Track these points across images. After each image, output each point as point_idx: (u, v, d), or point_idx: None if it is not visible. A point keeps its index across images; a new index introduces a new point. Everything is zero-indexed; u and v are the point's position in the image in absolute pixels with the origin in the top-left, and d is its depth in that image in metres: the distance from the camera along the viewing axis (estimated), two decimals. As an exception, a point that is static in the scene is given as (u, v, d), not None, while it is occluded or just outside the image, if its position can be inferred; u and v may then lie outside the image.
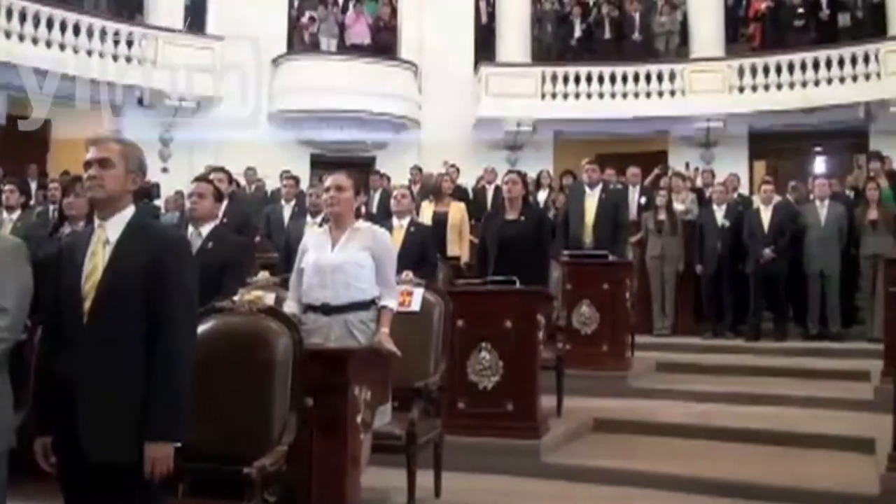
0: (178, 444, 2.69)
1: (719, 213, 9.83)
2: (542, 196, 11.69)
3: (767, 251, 9.19)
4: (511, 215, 6.57)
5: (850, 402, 6.54)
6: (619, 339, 7.51)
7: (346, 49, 16.46)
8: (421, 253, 6.51)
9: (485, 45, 17.11)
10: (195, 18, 16.08)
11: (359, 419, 3.50)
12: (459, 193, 10.83)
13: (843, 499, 4.69)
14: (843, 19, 15.59)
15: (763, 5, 16.10)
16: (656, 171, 11.73)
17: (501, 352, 5.46)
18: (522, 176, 6.97)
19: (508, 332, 5.48)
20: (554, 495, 4.99)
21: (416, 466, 4.35)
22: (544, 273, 6.34)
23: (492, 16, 17.44)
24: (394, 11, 17.05)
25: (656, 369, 7.99)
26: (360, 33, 16.63)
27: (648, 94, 15.99)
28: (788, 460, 5.42)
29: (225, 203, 7.32)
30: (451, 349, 4.99)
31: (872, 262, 8.66)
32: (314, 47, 16.41)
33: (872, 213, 9.05)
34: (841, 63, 15.07)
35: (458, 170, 12.35)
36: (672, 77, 15.95)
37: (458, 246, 8.62)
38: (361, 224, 4.46)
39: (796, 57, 15.39)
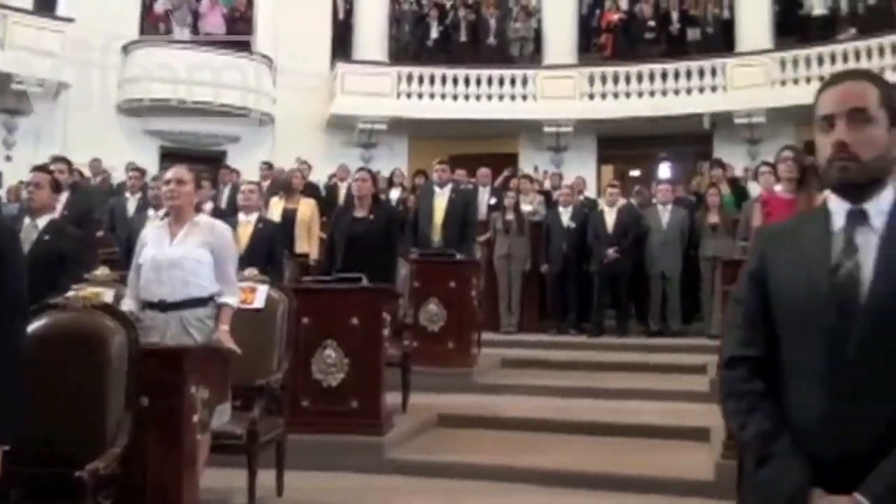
0: (6, 448, 2.55)
1: (565, 214, 10.12)
2: (394, 195, 11.73)
3: (611, 251, 9.53)
4: (360, 213, 6.57)
5: (688, 394, 6.79)
6: (465, 336, 7.62)
7: (200, 39, 16.03)
8: (268, 250, 6.44)
9: (342, 42, 17.03)
10: (45, -1, 15.31)
11: (195, 419, 3.41)
12: (311, 190, 10.73)
13: (680, 485, 4.87)
14: (693, 34, 16.33)
15: (615, 17, 16.67)
16: (506, 172, 12.01)
17: (347, 349, 5.45)
18: (372, 174, 6.99)
19: (354, 330, 5.47)
20: (396, 490, 5.01)
21: (258, 466, 4.28)
22: (391, 271, 6.36)
23: (350, 13, 17.36)
24: (250, 2, 16.68)
25: (502, 365, 8.13)
26: (214, 23, 16.22)
27: (501, 98, 16.33)
28: (629, 451, 5.61)
29: (66, 195, 7.05)
30: (296, 347, 4.95)
31: (712, 264, 9.05)
32: (166, 35, 15.90)
33: (713, 217, 9.48)
34: (689, 75, 15.84)
35: (310, 166, 12.23)
36: (525, 82, 16.33)
37: (308, 243, 8.55)
38: (201, 218, 4.37)
39: (645, 68, 16.05)
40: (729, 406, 1.90)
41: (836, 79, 1.92)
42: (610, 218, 9.78)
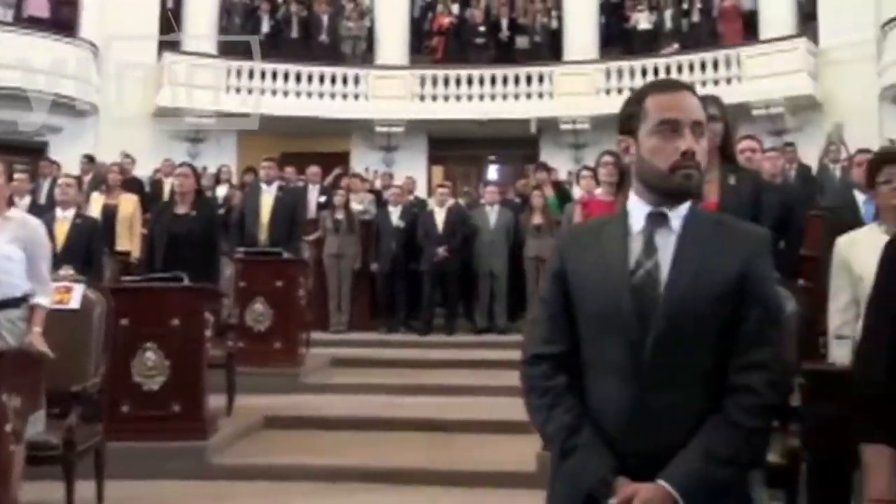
0: None
1: (395, 214, 10.21)
2: (221, 192, 11.47)
3: (441, 250, 9.69)
4: (182, 210, 6.39)
5: (513, 389, 6.94)
6: (292, 336, 7.54)
7: (23, 21, 15.04)
8: (86, 247, 6.17)
9: (170, 32, 16.39)
10: None
11: (8, 429, 3.22)
12: (134, 185, 10.35)
13: (503, 477, 5.00)
14: (522, 42, 16.78)
15: (447, 21, 16.92)
16: (336, 171, 11.94)
17: (167, 351, 5.26)
18: (195, 169, 6.81)
19: (175, 331, 5.29)
20: (221, 496, 4.89)
21: (76, 476, 4.07)
22: (214, 270, 6.23)
23: (179, 2, 16.79)
24: (76, -15, 15.85)
25: (330, 365, 8.09)
26: (38, 5, 15.32)
27: (333, 96, 16.27)
28: (456, 446, 5.71)
29: None
30: (114, 350, 4.73)
31: (535, 263, 9.32)
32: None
33: (537, 219, 9.82)
34: (517, 81, 16.28)
35: (133, 160, 11.79)
36: (357, 81, 16.33)
37: (129, 241, 8.25)
38: (14, 213, 4.14)
39: (475, 72, 16.39)
40: (532, 402, 1.95)
41: (667, 86, 1.98)
42: (440, 217, 9.94)
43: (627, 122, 1.97)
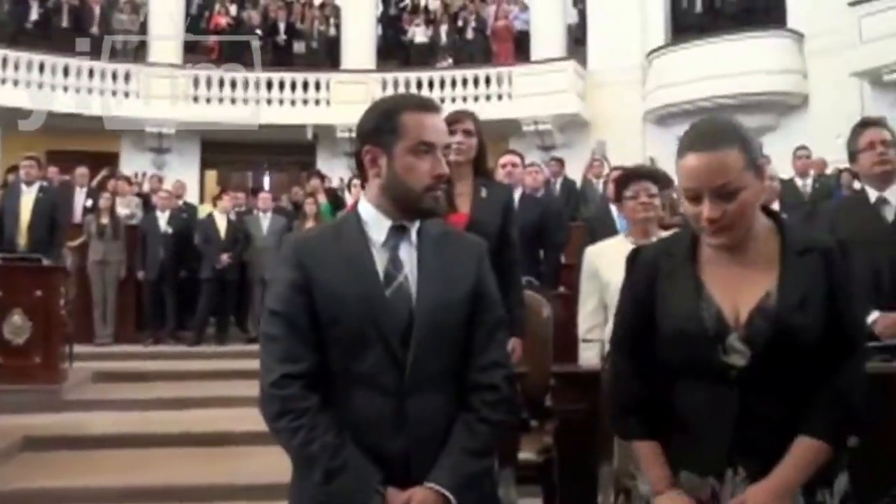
0: None
1: (163, 218, 9.92)
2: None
3: (225, 257, 9.54)
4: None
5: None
6: (53, 349, 7.10)
7: None
8: None
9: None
10: None
11: None
12: None
13: (278, 489, 4.92)
14: (299, 47, 16.68)
15: (223, 21, 16.57)
16: (103, 172, 11.42)
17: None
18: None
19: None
20: (-25, 525, 4.62)
21: None
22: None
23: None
24: None
25: (94, 380, 7.72)
26: None
27: (102, 93, 15.45)
28: (229, 459, 5.59)
29: None
30: None
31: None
32: None
33: (310, 226, 9.79)
34: (293, 86, 16.17)
35: None
36: (127, 78, 15.64)
37: None
38: None
39: (251, 75, 16.08)
40: (285, 424, 1.90)
41: (425, 107, 2.01)
42: (222, 224, 9.79)
43: (376, 133, 1.99)
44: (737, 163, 1.82)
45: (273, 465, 5.34)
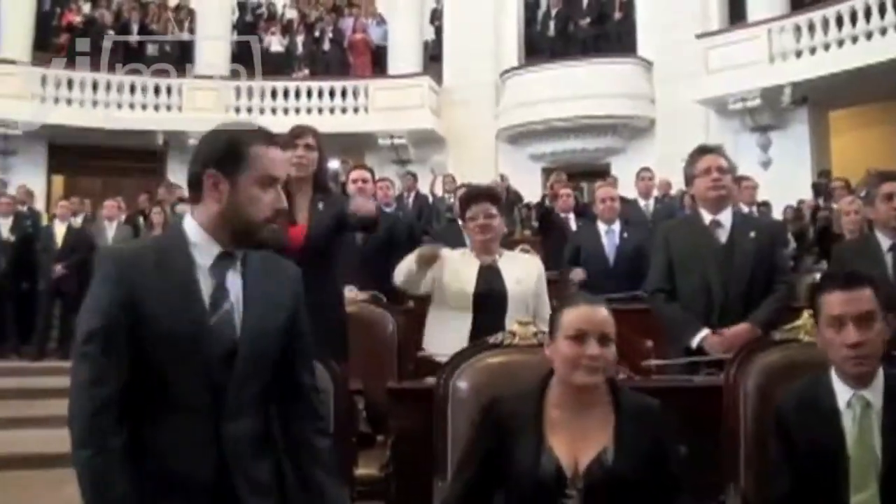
0: None
1: (5, 225, 9.55)
2: None
3: (59, 268, 9.23)
4: None
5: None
6: None
7: None
8: None
9: None
10: None
11: None
12: None
13: None
14: (152, 49, 16.25)
15: (76, 19, 15.98)
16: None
17: None
18: None
19: None
20: None
21: None
22: None
23: None
24: None
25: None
26: None
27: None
28: (68, 483, 5.38)
29: None
30: None
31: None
32: None
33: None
34: (145, 90, 15.73)
35: None
36: (-31, 75, 14.82)
37: None
38: None
39: (102, 76, 15.47)
40: (87, 456, 1.88)
41: (274, 141, 2.09)
42: (60, 231, 9.51)
43: (222, 160, 2.01)
44: None
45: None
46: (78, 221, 10.17)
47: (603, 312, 2.28)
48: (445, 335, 3.70)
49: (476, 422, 2.40)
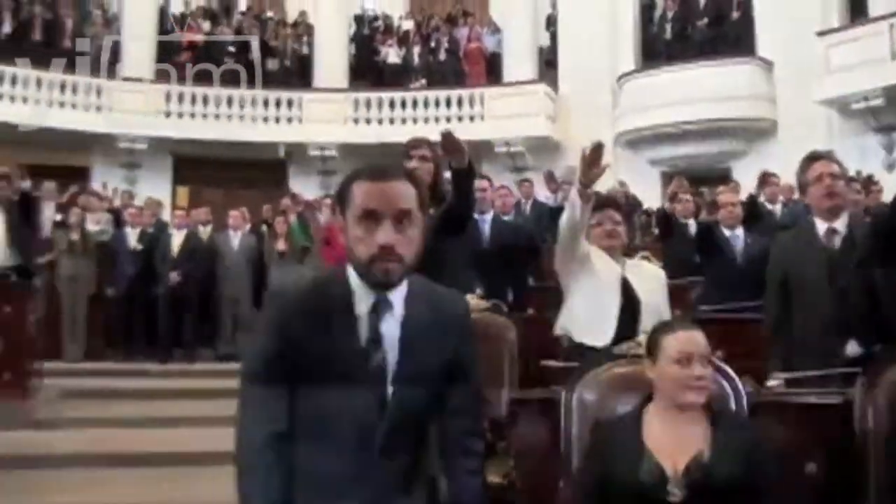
0: None
1: (133, 235, 9.92)
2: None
3: (174, 275, 9.52)
4: None
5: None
6: (21, 366, 7.07)
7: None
8: None
9: None
10: None
11: None
12: None
13: None
14: (272, 64, 16.74)
15: (198, 37, 16.59)
16: (72, 188, 11.33)
17: None
18: None
19: None
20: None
21: None
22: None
23: None
24: None
25: (63, 397, 7.65)
26: None
27: (74, 106, 15.34)
28: (193, 480, 5.53)
29: None
30: None
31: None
32: None
33: (281, 245, 9.88)
34: (266, 104, 16.21)
35: None
36: (99, 92, 15.53)
37: None
38: None
39: (223, 92, 16.12)
40: (257, 478, 1.98)
41: (375, 174, 1.98)
42: (177, 240, 9.77)
43: (338, 201, 2.03)
44: None
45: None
46: (206, 230, 10.49)
47: (701, 335, 2.45)
48: (591, 320, 3.68)
49: (586, 449, 2.57)
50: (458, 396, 2.10)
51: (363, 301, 2.00)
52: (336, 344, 1.97)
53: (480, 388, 2.22)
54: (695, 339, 2.44)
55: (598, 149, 3.44)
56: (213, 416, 7.09)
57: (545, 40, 17.46)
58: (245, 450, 2.00)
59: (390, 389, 1.98)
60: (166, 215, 11.50)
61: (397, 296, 2.02)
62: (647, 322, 3.57)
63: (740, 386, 2.70)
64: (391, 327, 2.00)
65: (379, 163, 2.10)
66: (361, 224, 1.95)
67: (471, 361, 2.13)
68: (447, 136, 3.65)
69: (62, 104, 15.29)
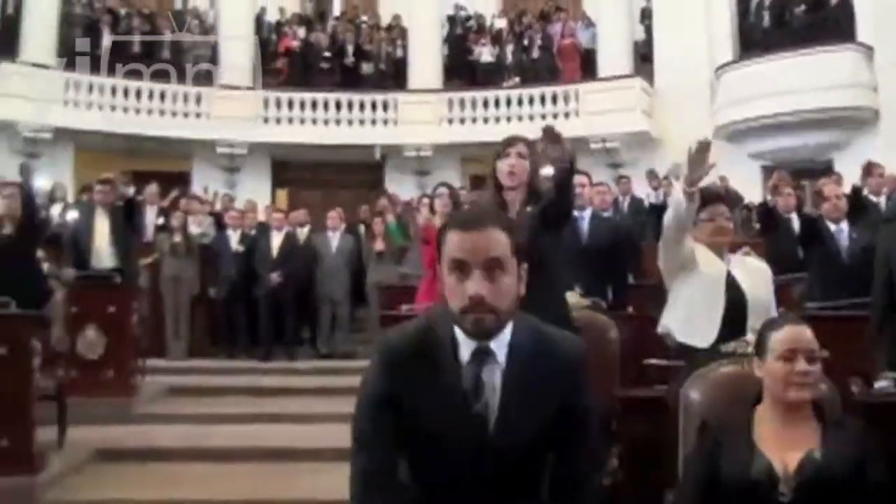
0: None
1: (234, 237, 10.11)
2: (55, 210, 10.98)
3: (274, 276, 9.64)
4: (7, 231, 6.15)
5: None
6: (126, 364, 7.31)
7: None
8: None
9: (8, 41, 15.52)
10: None
11: None
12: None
13: None
14: (367, 68, 16.92)
15: (293, 44, 16.88)
16: (174, 193, 11.62)
17: (-7, 382, 5.04)
18: (24, 189, 6.53)
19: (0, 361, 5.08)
20: (50, 533, 4.74)
21: None
22: (41, 295, 6.01)
23: (18, 9, 15.82)
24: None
25: (167, 394, 7.88)
26: None
27: (175, 114, 15.81)
28: (297, 474, 5.63)
29: None
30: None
31: (377, 289, 9.39)
32: None
33: (379, 245, 9.95)
34: (362, 107, 16.42)
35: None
36: (199, 100, 15.97)
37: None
38: None
39: (320, 96, 16.40)
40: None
41: (466, 223, 1.95)
42: (276, 242, 9.90)
43: (437, 246, 2.00)
44: None
45: (336, 482, 5.42)
46: (303, 231, 10.62)
47: (808, 331, 2.41)
48: (694, 320, 3.57)
49: (694, 448, 2.52)
50: (571, 445, 2.02)
51: (465, 348, 1.97)
52: (440, 390, 1.96)
53: (596, 435, 2.14)
54: (800, 334, 2.40)
55: (704, 148, 3.32)
56: (313, 413, 7.23)
57: (640, 34, 17.13)
58: (355, 499, 2.01)
59: (492, 438, 1.95)
60: (263, 217, 11.72)
61: (499, 343, 1.97)
62: (754, 320, 3.46)
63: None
64: (492, 375, 1.97)
65: (473, 209, 2.10)
66: (453, 274, 1.92)
67: (584, 409, 2.04)
68: (549, 132, 3.59)
69: (162, 112, 15.78)
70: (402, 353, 2.01)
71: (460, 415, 1.94)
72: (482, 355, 1.96)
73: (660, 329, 3.74)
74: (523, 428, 1.95)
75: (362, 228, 11.28)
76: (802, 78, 14.03)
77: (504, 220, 2.03)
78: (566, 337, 2.09)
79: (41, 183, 10.68)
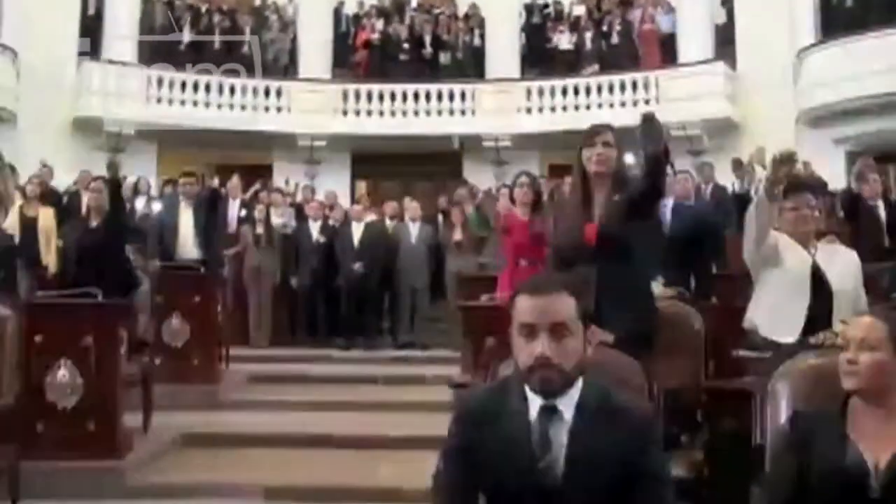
0: None
1: (315, 228, 10.24)
2: (140, 204, 11.27)
3: (357, 266, 9.71)
4: (94, 223, 6.33)
5: (433, 405, 6.94)
6: (210, 352, 7.47)
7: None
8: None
9: (93, 40, 16.03)
10: None
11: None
12: (51, 197, 10.13)
13: (415, 494, 4.88)
14: (445, 58, 16.93)
15: (372, 36, 16.97)
16: (256, 185, 11.79)
17: (82, 369, 5.15)
18: (111, 182, 6.70)
19: (88, 348, 5.19)
20: (137, 515, 4.85)
21: (-9, 499, 4.01)
22: (128, 285, 6.16)
23: (100, 8, 16.36)
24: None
25: (249, 381, 8.02)
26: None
27: (255, 108, 16.08)
28: (371, 463, 5.65)
29: None
30: (27, 367, 4.67)
31: (456, 279, 9.40)
32: None
33: (458, 235, 9.96)
34: (440, 97, 16.42)
35: (51, 170, 11.47)
36: (280, 94, 16.21)
37: (47, 254, 8.07)
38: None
39: (398, 87, 16.47)
40: None
41: (535, 289, 2.06)
42: (357, 232, 9.97)
43: (510, 308, 2.08)
44: None
45: (415, 470, 5.43)
46: (385, 222, 10.69)
47: (863, 321, 2.36)
48: (779, 314, 3.51)
49: (784, 440, 2.44)
50: None
51: (534, 405, 2.05)
52: (510, 444, 2.03)
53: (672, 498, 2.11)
54: (853, 324, 2.39)
55: (649, 119, 3.41)
56: (392, 401, 7.27)
57: (721, 17, 16.73)
58: None
59: (559, 493, 1.99)
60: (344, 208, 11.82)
61: (567, 402, 2.04)
62: (842, 310, 3.36)
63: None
64: (559, 434, 2.03)
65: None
66: (521, 335, 2.02)
67: (654, 475, 2.04)
68: (648, 119, 3.54)
69: (243, 107, 16.04)
70: (475, 408, 2.14)
71: (529, 470, 2.00)
72: (549, 412, 2.03)
73: (745, 324, 3.67)
74: (589, 487, 1.99)
75: (441, 218, 11.28)
76: (888, 58, 13.48)
77: (571, 285, 2.10)
78: (634, 402, 2.16)
79: (126, 178, 10.89)
